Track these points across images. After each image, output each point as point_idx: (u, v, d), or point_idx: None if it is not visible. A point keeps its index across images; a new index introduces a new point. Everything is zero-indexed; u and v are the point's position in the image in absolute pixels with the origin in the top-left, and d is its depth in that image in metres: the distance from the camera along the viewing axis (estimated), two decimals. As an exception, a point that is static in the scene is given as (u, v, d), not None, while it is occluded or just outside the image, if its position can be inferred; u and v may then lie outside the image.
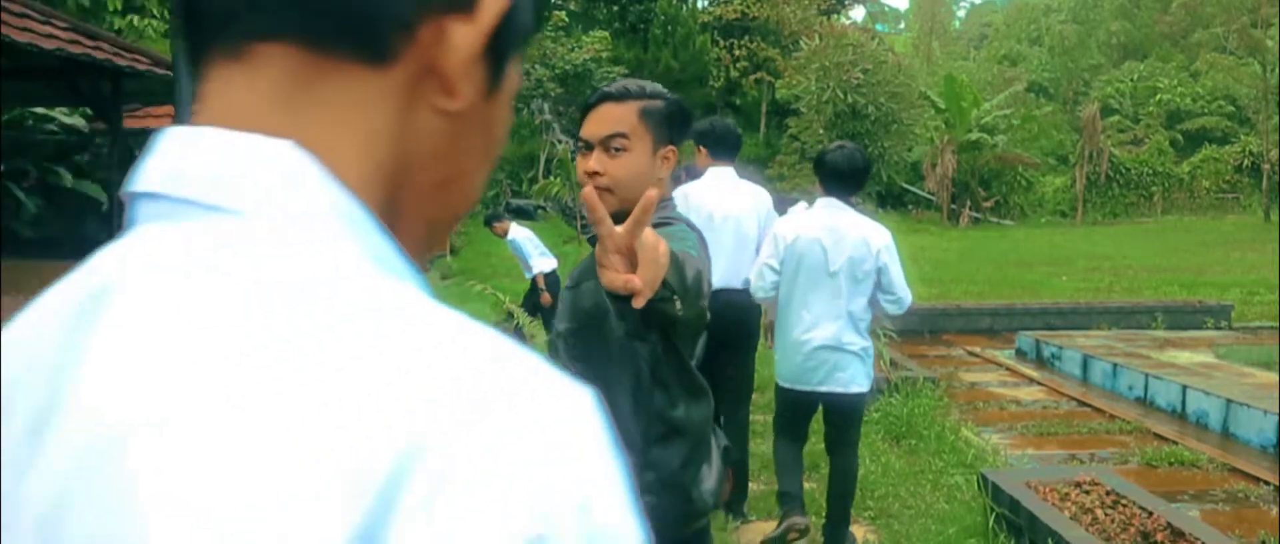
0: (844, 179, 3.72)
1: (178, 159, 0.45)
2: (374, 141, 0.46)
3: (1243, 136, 38.31)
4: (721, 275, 4.03)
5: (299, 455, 0.36)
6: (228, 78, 0.46)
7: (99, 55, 6.45)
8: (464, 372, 0.38)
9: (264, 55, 0.45)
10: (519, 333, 8.09)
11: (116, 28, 11.33)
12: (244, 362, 0.38)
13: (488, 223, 9.01)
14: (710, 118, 4.83)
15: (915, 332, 9.69)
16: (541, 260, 8.44)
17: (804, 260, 3.70)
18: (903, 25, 71.51)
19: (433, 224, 0.51)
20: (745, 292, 4.01)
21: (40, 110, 9.70)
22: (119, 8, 11.42)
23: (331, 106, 0.45)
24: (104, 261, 0.47)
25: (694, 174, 4.45)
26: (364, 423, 0.36)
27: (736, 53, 38.31)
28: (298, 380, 0.38)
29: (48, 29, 6.13)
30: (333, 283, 0.41)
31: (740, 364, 4.35)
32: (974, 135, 33.64)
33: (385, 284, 0.42)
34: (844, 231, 3.67)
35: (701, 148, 4.38)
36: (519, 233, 8.58)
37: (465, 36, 0.46)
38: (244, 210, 0.43)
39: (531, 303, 8.39)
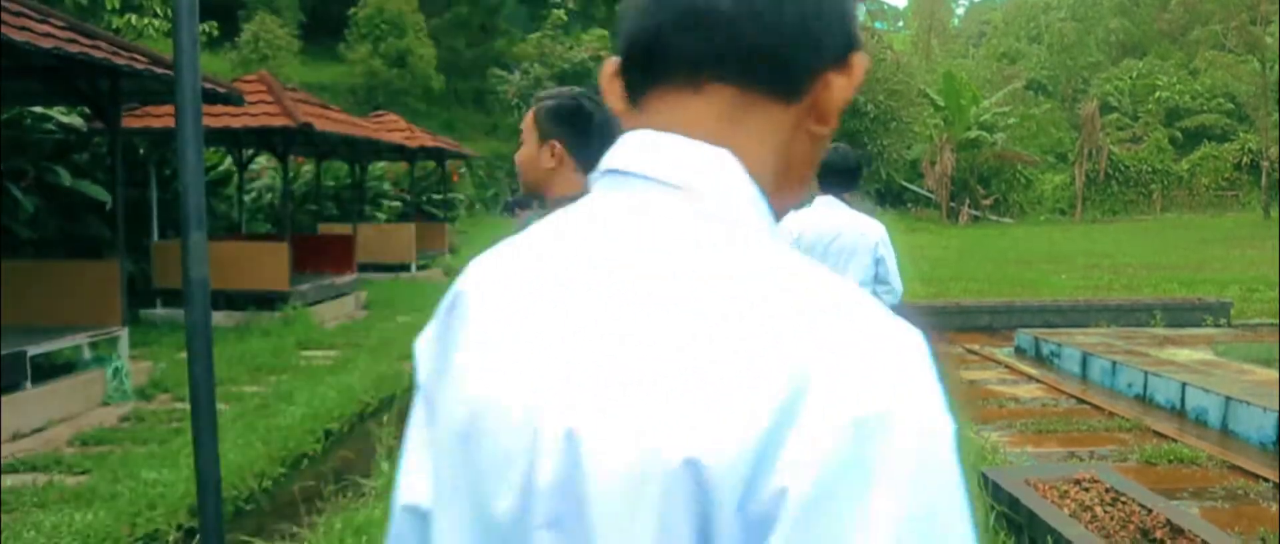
0: (839, 177, 3.93)
1: (645, 150, 0.67)
2: (774, 153, 0.69)
3: (1242, 134, 38.30)
4: None
5: (739, 358, 0.56)
6: (684, 103, 0.68)
7: (97, 54, 6.42)
8: (837, 309, 0.59)
9: (715, 91, 0.67)
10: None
11: (114, 27, 11.32)
12: (694, 289, 0.60)
13: (511, 209, 9.06)
14: None
15: (914, 329, 9.68)
16: None
17: (807, 256, 3.77)
18: (901, 23, 71.44)
19: (784, 208, 0.73)
20: None
21: (38, 109, 9.67)
22: (117, 6, 11.40)
23: (754, 129, 0.68)
24: (588, 210, 0.69)
25: None
26: (782, 341, 0.56)
27: (735, 51, 38.32)
28: (732, 304, 0.58)
29: (45, 27, 6.11)
30: (749, 243, 0.63)
31: None
32: (973, 133, 33.63)
33: (780, 247, 0.65)
34: (843, 227, 3.84)
35: None
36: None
37: (841, 84, 0.69)
38: (696, 189, 0.65)
39: None
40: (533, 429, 0.61)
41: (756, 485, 0.54)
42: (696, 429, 0.55)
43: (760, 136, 0.68)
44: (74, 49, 6.19)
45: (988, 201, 35.76)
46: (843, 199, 3.95)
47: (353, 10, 29.94)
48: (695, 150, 0.66)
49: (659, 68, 0.68)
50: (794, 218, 4.07)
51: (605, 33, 35.84)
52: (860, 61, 0.70)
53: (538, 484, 0.60)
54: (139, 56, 7.02)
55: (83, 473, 5.32)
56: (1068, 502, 3.72)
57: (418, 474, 0.74)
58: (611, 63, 0.74)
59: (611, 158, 0.70)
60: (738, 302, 0.58)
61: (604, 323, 0.61)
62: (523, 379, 0.63)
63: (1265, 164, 33.65)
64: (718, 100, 0.67)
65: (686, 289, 0.60)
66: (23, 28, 5.77)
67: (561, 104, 2.21)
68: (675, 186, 0.65)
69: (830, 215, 3.85)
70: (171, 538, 4.71)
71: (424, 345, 0.77)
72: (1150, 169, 38.27)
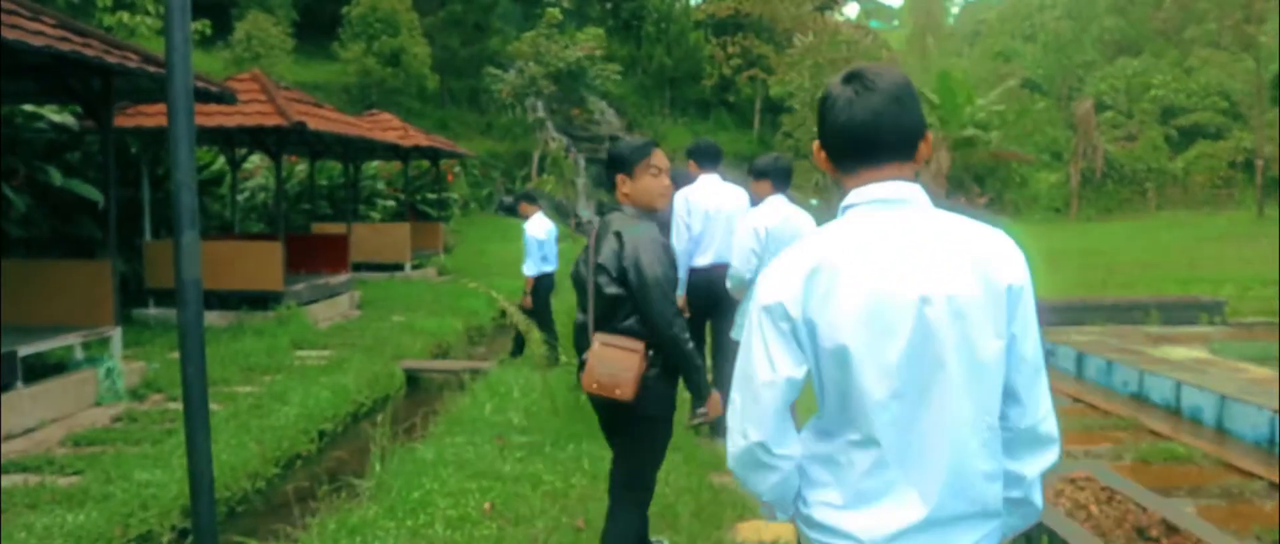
0: (786, 177, 5.08)
1: (888, 191, 1.61)
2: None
3: (1236, 132, 38.38)
4: (717, 253, 5.49)
5: (992, 267, 1.57)
6: (881, 172, 1.62)
7: (89, 52, 6.39)
8: (1003, 239, 1.62)
9: (894, 165, 1.63)
10: (518, 335, 8.06)
11: (106, 25, 11.28)
12: (947, 239, 1.58)
13: (511, 207, 9.12)
14: (697, 139, 6.46)
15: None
16: (534, 264, 8.41)
17: (770, 241, 4.81)
18: (896, 21, 71.50)
19: None
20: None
21: (29, 108, 9.62)
22: (109, 5, 11.36)
23: (908, 175, 1.64)
24: (874, 216, 1.61)
25: (687, 180, 5.70)
26: (1006, 261, 1.58)
27: (729, 50, 38.23)
28: (971, 247, 1.57)
29: (37, 26, 6.07)
30: (949, 217, 1.61)
31: (728, 320, 5.52)
32: (968, 131, 33.60)
33: (954, 216, 1.63)
34: (796, 221, 4.92)
35: (692, 161, 5.81)
36: (532, 228, 8.47)
37: (925, 148, 1.65)
38: (920, 203, 1.61)
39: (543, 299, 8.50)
40: (922, 299, 1.52)
41: (1014, 284, 1.56)
42: (1004, 271, 1.56)
43: (911, 177, 1.63)
44: (66, 47, 6.16)
45: (983, 200, 35.76)
46: (787, 195, 5.06)
47: (346, 9, 29.86)
48: (911, 188, 1.61)
49: (866, 158, 1.63)
50: (757, 214, 5.04)
51: (601, 31, 35.77)
52: (930, 136, 1.66)
53: (931, 318, 1.52)
54: (131, 55, 6.99)
55: (75, 473, 5.29)
56: (1063, 500, 3.72)
57: (788, 361, 1.59)
58: (817, 144, 1.70)
59: (863, 195, 1.62)
60: (971, 236, 1.58)
61: (930, 252, 1.55)
62: (904, 282, 1.53)
63: (1259, 162, 33.73)
64: (896, 167, 1.62)
65: (951, 234, 1.57)
66: (14, 26, 5.74)
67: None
68: (911, 203, 1.61)
69: (785, 210, 4.96)
70: (165, 539, 4.69)
71: (791, 293, 1.58)
72: (1145, 167, 38.35)
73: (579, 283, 3.31)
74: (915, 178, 1.65)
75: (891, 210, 1.60)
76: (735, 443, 1.64)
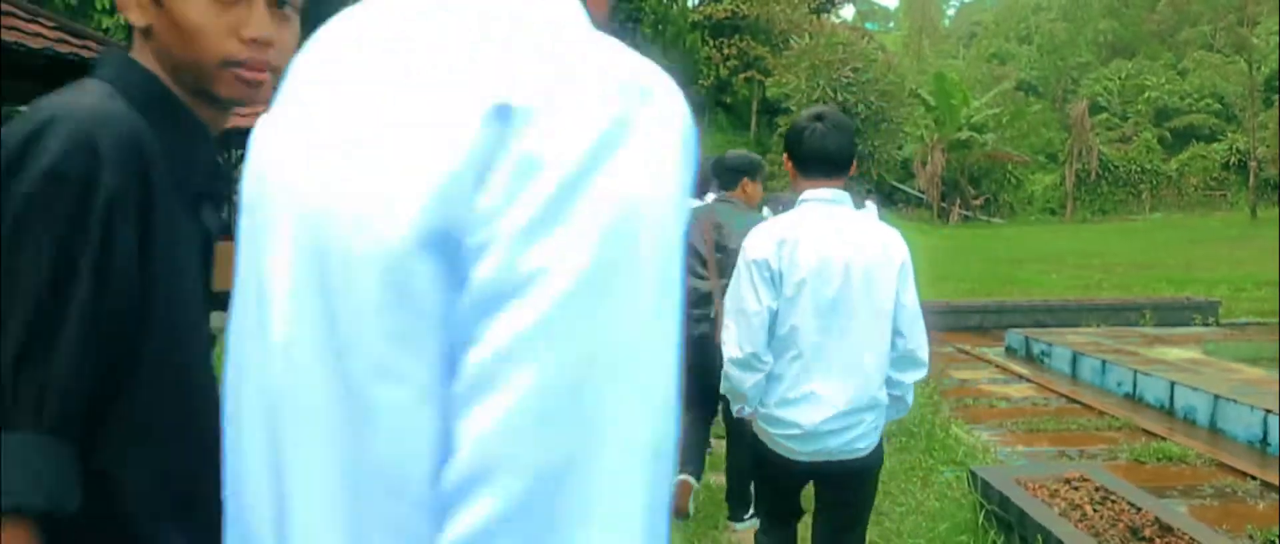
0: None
1: (829, 194, 2.58)
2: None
3: (1230, 134, 38.50)
4: None
5: (891, 249, 2.58)
6: (826, 182, 2.55)
7: (87, 54, 6.38)
8: (895, 232, 2.68)
9: (841, 178, 2.57)
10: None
11: (105, 27, 11.27)
12: (865, 227, 2.64)
13: None
14: None
15: (906, 329, 9.70)
16: None
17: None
18: (892, 23, 71.64)
19: None
20: None
21: (26, 110, 9.61)
22: (107, 6, 11.35)
23: (841, 185, 2.58)
24: (814, 210, 2.59)
25: None
26: (899, 247, 2.60)
27: (727, 51, 38.25)
28: (878, 234, 2.61)
29: (35, 27, 6.08)
30: (861, 215, 2.82)
31: None
32: (964, 133, 33.70)
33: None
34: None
35: None
36: None
37: (853, 166, 2.61)
38: (844, 202, 2.64)
39: None
40: (848, 264, 2.43)
41: (903, 261, 2.59)
42: (898, 252, 2.57)
43: (842, 186, 2.58)
44: (64, 49, 6.16)
45: (978, 201, 35.89)
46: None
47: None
48: (843, 193, 2.54)
49: (823, 172, 2.54)
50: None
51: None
52: (854, 161, 2.61)
53: (853, 277, 2.45)
54: (129, 57, 6.99)
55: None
56: (1058, 500, 3.74)
57: (769, 296, 2.43)
58: (787, 156, 2.61)
59: (815, 195, 2.53)
60: (877, 227, 2.60)
61: (855, 235, 2.50)
62: (838, 252, 2.43)
63: (1253, 164, 33.83)
64: (837, 179, 2.54)
65: (866, 225, 2.56)
66: (12, 28, 5.75)
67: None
68: (843, 203, 2.53)
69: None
70: (163, 539, 4.70)
71: (769, 252, 2.44)
72: (1139, 169, 38.45)
73: (693, 252, 4.16)
74: (845, 186, 2.55)
75: (831, 206, 2.52)
76: (733, 355, 2.46)
